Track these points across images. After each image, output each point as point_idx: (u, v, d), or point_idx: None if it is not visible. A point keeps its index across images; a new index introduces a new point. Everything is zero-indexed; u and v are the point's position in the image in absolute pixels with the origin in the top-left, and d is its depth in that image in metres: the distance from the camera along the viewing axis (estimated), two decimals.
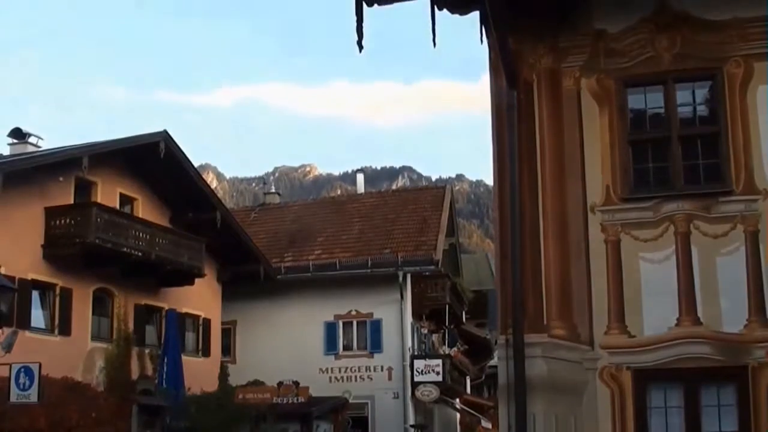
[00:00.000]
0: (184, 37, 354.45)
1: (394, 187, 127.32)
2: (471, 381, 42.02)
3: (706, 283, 9.61)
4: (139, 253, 24.75)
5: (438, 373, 31.13)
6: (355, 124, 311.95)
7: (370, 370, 31.92)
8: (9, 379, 17.43)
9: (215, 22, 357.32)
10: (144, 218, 26.12)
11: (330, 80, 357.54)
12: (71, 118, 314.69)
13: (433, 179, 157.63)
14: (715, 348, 9.48)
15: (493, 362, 38.91)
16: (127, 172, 26.63)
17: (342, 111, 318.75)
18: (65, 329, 23.74)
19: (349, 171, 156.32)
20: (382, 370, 31.75)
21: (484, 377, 43.82)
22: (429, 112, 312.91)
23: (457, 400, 37.02)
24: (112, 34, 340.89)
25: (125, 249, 24.29)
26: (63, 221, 23.65)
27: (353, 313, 32.39)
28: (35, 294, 23.31)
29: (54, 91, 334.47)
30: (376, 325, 32.06)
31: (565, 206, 10.11)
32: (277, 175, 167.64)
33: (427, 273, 32.97)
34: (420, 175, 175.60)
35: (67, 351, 23.34)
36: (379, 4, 9.89)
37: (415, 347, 32.50)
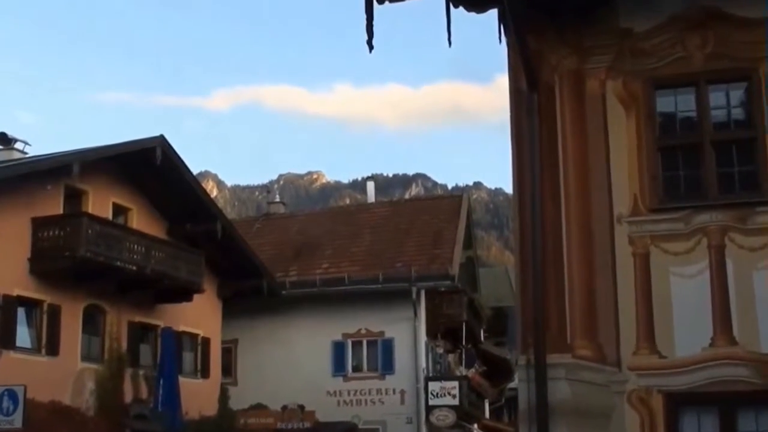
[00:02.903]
0: (178, 36, 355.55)
1: (407, 195, 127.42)
2: (490, 404, 41.94)
3: (742, 300, 9.62)
4: (134, 267, 24.86)
5: (454, 397, 31.09)
6: (365, 128, 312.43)
7: (381, 393, 31.91)
8: None
9: (210, 19, 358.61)
10: (139, 229, 26.22)
11: (334, 82, 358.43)
12: (61, 124, 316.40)
13: (449, 187, 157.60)
14: (753, 370, 9.47)
15: (513, 384, 38.83)
16: (121, 180, 26.77)
17: (349, 114, 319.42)
18: (53, 349, 23.82)
19: (359, 179, 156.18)
20: (394, 393, 31.74)
21: (504, 400, 43.76)
22: (444, 115, 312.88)
23: (475, 425, 36.93)
24: (103, 34, 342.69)
25: (118, 263, 24.40)
26: (51, 233, 23.76)
27: (363, 331, 32.41)
28: (21, 311, 23.40)
29: (42, 94, 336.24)
30: (388, 345, 32.06)
31: (589, 217, 10.15)
32: (281, 183, 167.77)
33: (442, 288, 32.96)
34: (435, 183, 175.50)
35: (55, 372, 23.42)
36: (390, 1, 9.96)
37: (430, 368, 32.49)
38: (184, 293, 27.31)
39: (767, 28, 9.87)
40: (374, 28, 9.49)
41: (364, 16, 9.56)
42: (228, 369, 32.37)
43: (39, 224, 23.79)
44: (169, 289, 26.64)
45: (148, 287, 26.11)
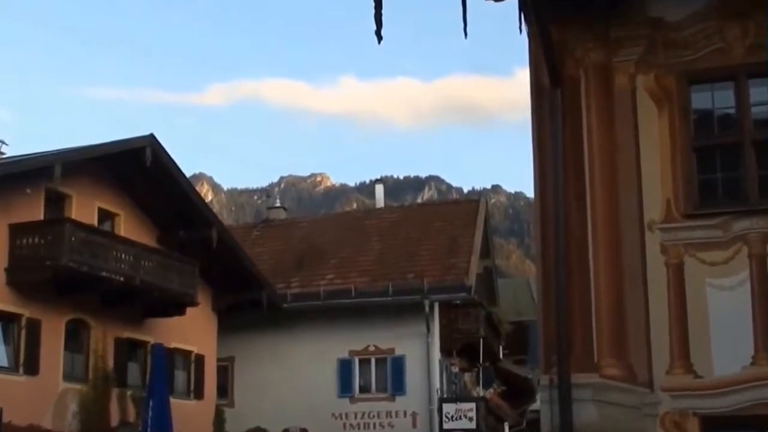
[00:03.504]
0: (170, 26, 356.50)
1: (419, 200, 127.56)
2: (510, 428, 41.88)
3: None
4: (121, 278, 24.89)
5: (471, 419, 31.03)
6: (373, 126, 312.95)
7: (391, 416, 31.91)
8: None
9: (204, 8, 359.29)
10: (127, 237, 26.26)
11: (339, 75, 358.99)
12: (41, 121, 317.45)
13: (465, 191, 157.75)
14: None
15: (535, 406, 38.76)
16: (107, 183, 26.83)
17: (356, 111, 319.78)
18: (32, 368, 23.87)
19: (367, 181, 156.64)
20: (405, 415, 31.73)
21: (525, 424, 43.63)
22: (460, 112, 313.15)
23: None
24: (88, 24, 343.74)
25: (104, 273, 24.44)
26: (30, 240, 23.80)
27: (371, 348, 32.42)
28: None
29: (21, 89, 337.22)
30: (399, 363, 32.06)
31: (618, 224, 10.18)
32: (282, 186, 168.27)
33: (458, 301, 32.95)
34: (450, 186, 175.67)
35: (35, 393, 23.48)
36: None
37: (444, 389, 32.49)
38: (176, 306, 27.33)
39: None
40: (383, 17, 9.54)
41: (372, 4, 9.60)
42: (224, 389, 32.40)
43: (17, 231, 23.82)
44: (160, 302, 26.68)
45: (137, 300, 26.14)
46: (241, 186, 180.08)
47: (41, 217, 24.74)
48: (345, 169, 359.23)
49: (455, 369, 33.90)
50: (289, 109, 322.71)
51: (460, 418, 31.06)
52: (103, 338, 25.85)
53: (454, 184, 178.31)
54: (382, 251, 35.20)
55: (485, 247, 36.86)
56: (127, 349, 26.96)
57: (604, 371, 9.90)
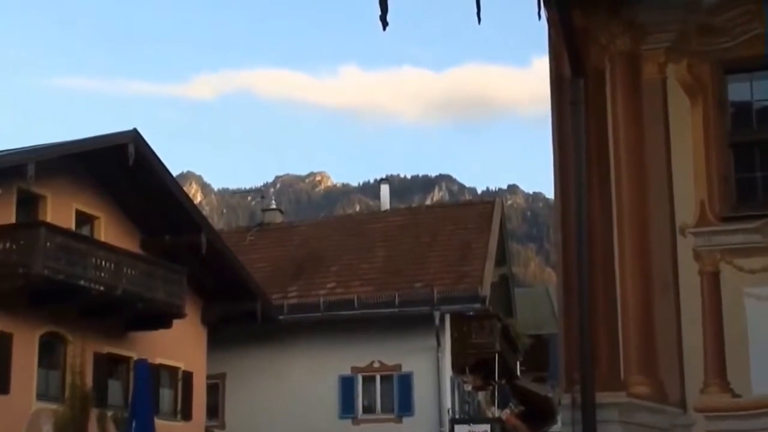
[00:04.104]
0: (154, 11, 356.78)
1: (428, 201, 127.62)
2: None
3: None
4: (101, 288, 24.92)
5: None
6: (377, 120, 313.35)
7: None
8: None
9: None
10: (107, 242, 26.31)
11: (340, 65, 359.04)
12: (12, 115, 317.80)
13: (479, 191, 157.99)
14: None
15: (556, 428, 38.78)
16: (86, 183, 26.89)
17: (359, 104, 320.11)
18: (3, 386, 23.88)
19: (371, 181, 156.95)
20: None
21: None
22: (472, 105, 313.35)
23: None
24: (63, 6, 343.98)
25: (82, 282, 24.46)
26: (1, 246, 23.83)
27: (376, 364, 32.45)
28: None
29: None
30: (406, 381, 32.09)
31: (646, 227, 10.18)
32: (278, 186, 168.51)
33: (471, 313, 33.00)
34: (462, 186, 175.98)
35: (6, 414, 23.47)
36: None
37: (456, 409, 32.50)
38: (161, 319, 27.37)
39: None
40: (388, 1, 9.54)
41: None
42: (214, 409, 32.44)
43: None
44: (144, 314, 26.71)
45: (119, 312, 26.18)
46: (233, 186, 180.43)
47: (13, 220, 24.80)
48: (347, 167, 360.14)
49: (468, 387, 33.92)
50: (284, 102, 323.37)
51: None
52: (81, 353, 25.84)
53: (467, 183, 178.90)
54: (387, 258, 35.23)
55: (501, 253, 36.89)
56: (108, 366, 27.00)
57: (632, 389, 9.89)
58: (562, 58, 10.40)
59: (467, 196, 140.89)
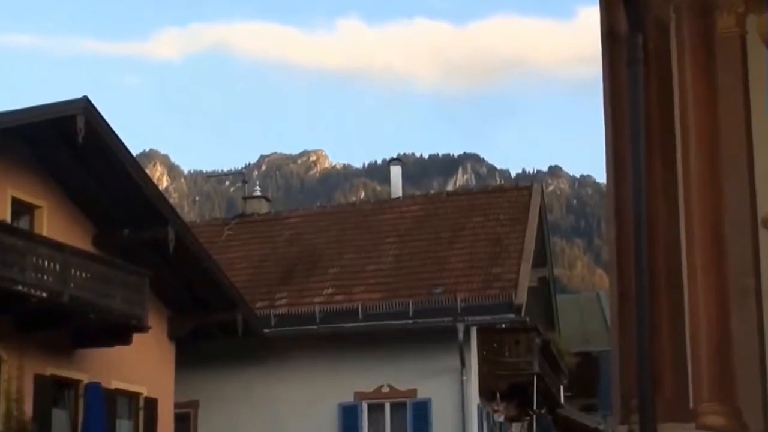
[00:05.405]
0: None
1: (450, 187, 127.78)
2: None
3: None
4: (43, 294, 24.95)
5: None
6: (386, 86, 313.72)
7: None
8: None
9: None
10: (51, 238, 26.34)
11: (338, 17, 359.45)
12: None
13: (513, 174, 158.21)
14: None
15: None
16: (24, 164, 26.93)
17: (362, 66, 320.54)
18: None
19: (379, 162, 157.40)
20: None
21: None
22: (503, 67, 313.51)
23: None
24: None
25: (19, 287, 24.49)
26: None
27: (385, 389, 32.51)
28: None
29: None
30: (422, 409, 32.16)
31: (720, 219, 10.14)
32: (264, 168, 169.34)
33: (503, 325, 33.04)
34: (492, 168, 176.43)
35: None
36: None
37: None
38: (118, 333, 27.42)
39: None
40: None
41: None
42: None
43: None
44: (97, 327, 26.76)
45: (65, 324, 26.24)
46: (207, 168, 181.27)
47: None
48: (348, 145, 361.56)
49: (500, 417, 33.98)
50: (270, 63, 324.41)
51: None
52: (18, 376, 25.90)
53: (498, 165, 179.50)
54: (399, 257, 35.31)
55: (541, 252, 36.90)
56: (52, 391, 27.08)
57: (703, 420, 9.87)
58: (615, 10, 10.37)
59: (498, 181, 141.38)
